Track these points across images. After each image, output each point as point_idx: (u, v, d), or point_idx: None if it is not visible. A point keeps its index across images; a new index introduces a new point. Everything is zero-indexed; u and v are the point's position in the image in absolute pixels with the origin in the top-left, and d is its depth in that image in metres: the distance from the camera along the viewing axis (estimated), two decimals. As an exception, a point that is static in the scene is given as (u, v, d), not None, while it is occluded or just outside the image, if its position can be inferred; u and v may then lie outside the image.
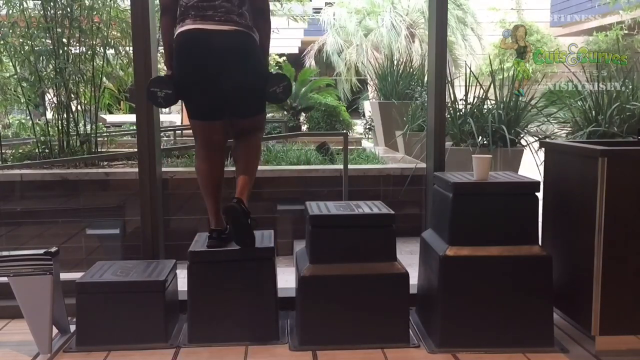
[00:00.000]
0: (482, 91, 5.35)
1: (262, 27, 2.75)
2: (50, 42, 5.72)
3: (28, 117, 6.62)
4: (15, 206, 4.99)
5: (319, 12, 14.45)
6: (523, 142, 5.23)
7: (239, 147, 2.87)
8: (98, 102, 6.13)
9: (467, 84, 5.49)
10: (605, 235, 2.53)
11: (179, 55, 2.67)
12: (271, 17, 2.82)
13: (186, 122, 10.84)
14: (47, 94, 6.17)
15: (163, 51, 2.82)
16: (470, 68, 5.55)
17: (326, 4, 14.76)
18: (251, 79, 2.71)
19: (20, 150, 6.06)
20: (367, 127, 11.18)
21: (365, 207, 2.88)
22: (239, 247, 2.74)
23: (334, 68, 14.56)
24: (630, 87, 5.12)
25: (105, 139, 6.73)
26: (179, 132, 8.72)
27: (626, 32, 10.05)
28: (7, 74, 6.29)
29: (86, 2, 5.83)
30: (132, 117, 6.83)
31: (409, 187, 5.00)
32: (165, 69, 2.79)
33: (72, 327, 2.85)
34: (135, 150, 3.18)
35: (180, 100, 2.80)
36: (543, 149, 3.39)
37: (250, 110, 2.82)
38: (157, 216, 3.12)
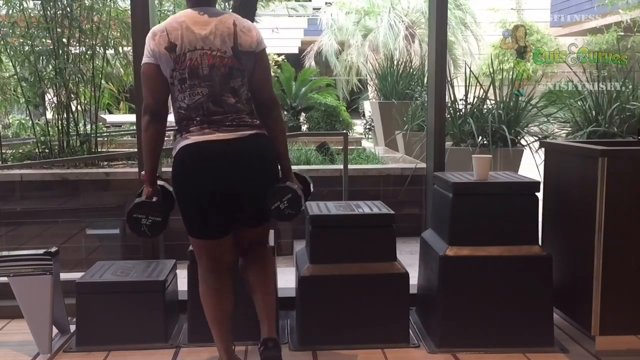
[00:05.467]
0: (482, 91, 5.35)
1: (270, 125, 2.33)
2: (50, 42, 5.72)
3: (28, 117, 6.62)
4: (15, 206, 4.99)
5: (318, 12, 14.45)
6: (523, 142, 5.23)
7: (253, 269, 2.46)
8: (98, 102, 6.13)
9: (467, 84, 5.49)
10: (605, 235, 2.53)
11: (185, 171, 2.25)
12: (267, 44, 2.39)
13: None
14: (47, 94, 6.17)
15: (145, 161, 2.31)
16: (470, 68, 5.55)
17: (326, 3, 14.76)
18: (267, 186, 2.31)
19: (20, 150, 6.06)
20: (367, 127, 11.18)
21: (365, 207, 2.88)
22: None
23: (332, 69, 14.56)
24: (630, 87, 5.12)
25: (105, 139, 6.73)
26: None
27: (622, 33, 10.04)
28: (7, 74, 6.29)
29: (86, 2, 5.83)
30: (132, 117, 6.83)
31: (409, 187, 5.00)
32: (146, 182, 2.33)
33: (72, 327, 2.85)
34: (135, 150, 3.18)
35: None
36: (543, 149, 3.39)
37: (263, 218, 2.40)
38: (157, 216, 3.11)
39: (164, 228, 2.33)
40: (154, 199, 2.32)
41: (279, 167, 2.39)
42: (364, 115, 12.26)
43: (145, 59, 2.27)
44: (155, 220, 2.28)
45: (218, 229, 2.32)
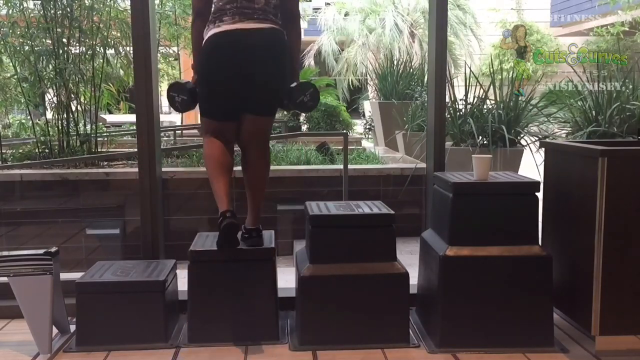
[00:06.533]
0: (482, 91, 5.35)
1: (290, 33, 2.72)
2: (50, 42, 5.73)
3: (28, 117, 6.62)
4: (15, 206, 4.99)
5: (318, 12, 14.46)
6: (523, 142, 5.23)
7: (247, 169, 2.80)
8: (98, 102, 6.14)
9: (467, 84, 5.49)
10: (605, 236, 2.53)
11: (211, 54, 2.62)
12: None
13: (186, 122, 10.85)
14: (47, 94, 6.18)
15: (192, 52, 2.78)
16: (470, 68, 5.56)
17: (326, 4, 14.77)
18: (279, 78, 2.70)
19: (20, 150, 6.07)
20: (367, 127, 11.18)
21: (365, 207, 2.87)
22: (240, 247, 2.74)
23: (329, 70, 14.58)
24: (630, 87, 5.12)
25: (105, 139, 6.74)
26: (179, 132, 8.71)
27: (627, 29, 10.00)
28: (7, 74, 6.30)
29: (86, 2, 5.83)
30: (132, 117, 6.83)
31: (409, 187, 5.00)
32: (193, 72, 2.74)
33: (72, 327, 2.85)
34: (135, 150, 3.18)
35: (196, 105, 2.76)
36: (543, 149, 3.39)
37: (266, 109, 2.78)
38: (157, 216, 3.11)
39: (191, 107, 2.71)
40: (185, 81, 2.72)
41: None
42: (364, 115, 12.26)
43: None
44: (183, 98, 2.67)
45: (225, 112, 2.70)
